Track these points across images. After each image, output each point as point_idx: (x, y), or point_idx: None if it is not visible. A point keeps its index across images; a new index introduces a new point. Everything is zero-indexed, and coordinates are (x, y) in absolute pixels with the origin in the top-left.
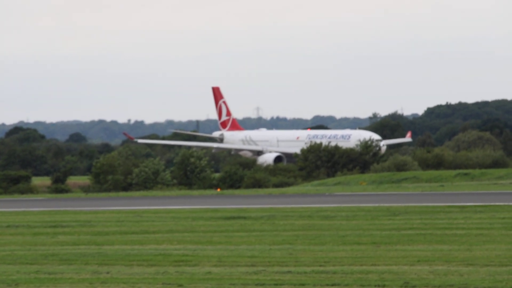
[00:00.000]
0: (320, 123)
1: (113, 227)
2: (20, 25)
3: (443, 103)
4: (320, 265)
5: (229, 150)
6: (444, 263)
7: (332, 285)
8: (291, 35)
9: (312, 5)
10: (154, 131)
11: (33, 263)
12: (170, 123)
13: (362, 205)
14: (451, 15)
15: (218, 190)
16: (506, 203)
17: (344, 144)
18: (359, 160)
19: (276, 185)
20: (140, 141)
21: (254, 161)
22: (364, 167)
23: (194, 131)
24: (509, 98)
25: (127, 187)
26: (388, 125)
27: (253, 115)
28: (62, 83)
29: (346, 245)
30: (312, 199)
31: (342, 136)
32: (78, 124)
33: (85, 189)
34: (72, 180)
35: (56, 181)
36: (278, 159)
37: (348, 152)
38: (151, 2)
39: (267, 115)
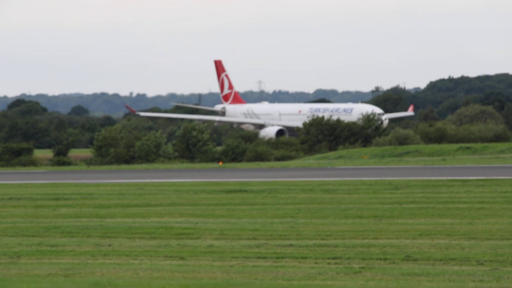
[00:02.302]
0: (322, 97)
1: (115, 200)
2: None
3: (446, 77)
4: (322, 239)
5: (231, 124)
6: (445, 237)
7: (334, 258)
8: (293, 9)
9: None
10: (156, 104)
11: (35, 235)
12: (172, 96)
13: (364, 179)
14: None
15: (220, 163)
16: (508, 177)
17: (346, 118)
18: (361, 134)
19: (278, 159)
20: (142, 114)
21: (256, 134)
22: (366, 141)
23: (196, 104)
24: (511, 72)
25: (129, 160)
26: (390, 99)
27: (255, 88)
28: (65, 56)
29: (348, 218)
30: (314, 173)
31: (344, 110)
32: (80, 96)
33: (87, 162)
34: (74, 153)
35: (58, 153)
36: (280, 133)
37: (350, 126)
38: None
39: (269, 88)
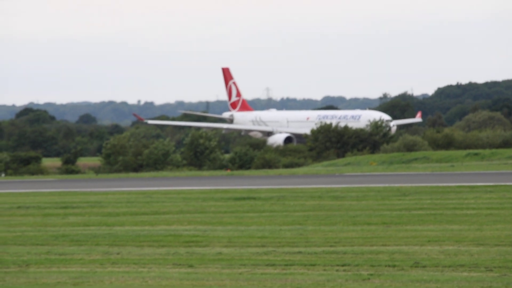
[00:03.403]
0: (330, 104)
1: (124, 208)
2: (33, 6)
3: (453, 83)
4: (331, 246)
5: (239, 131)
6: (454, 243)
7: (343, 265)
8: (301, 16)
9: None
10: (164, 112)
11: (43, 244)
12: (180, 104)
13: (372, 186)
14: None
15: (228, 171)
16: None
17: (354, 125)
18: (369, 141)
19: (286, 166)
20: (150, 122)
21: (264, 141)
22: (374, 148)
23: (204, 112)
24: None
25: (137, 168)
26: (398, 105)
27: (263, 96)
28: (73, 64)
29: (357, 225)
30: (322, 180)
31: (352, 117)
32: (88, 105)
33: (96, 170)
34: (82, 161)
35: (67, 162)
36: (288, 140)
37: (358, 133)
38: None
39: (277, 96)
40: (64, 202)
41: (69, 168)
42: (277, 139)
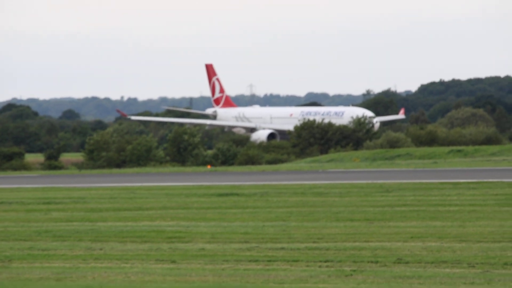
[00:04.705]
0: (313, 100)
1: (107, 204)
2: (15, 2)
3: (437, 80)
4: (314, 242)
5: (222, 127)
6: (437, 240)
7: (326, 261)
8: (284, 12)
9: None
10: (147, 108)
11: (26, 239)
12: (163, 100)
13: (355, 182)
14: None
15: (209, 167)
16: (499, 180)
17: (337, 121)
18: (352, 137)
19: (270, 162)
20: (133, 118)
21: (248, 138)
22: (357, 144)
23: (188, 108)
24: (502, 75)
25: (120, 164)
26: (381, 102)
27: (246, 92)
28: (56, 60)
29: (340, 221)
30: (305, 176)
31: (336, 113)
32: (71, 101)
33: (79, 166)
34: (65, 157)
35: (49, 158)
36: (271, 136)
37: (342, 129)
38: None
39: (260, 92)
40: (47, 197)
41: (52, 164)
42: (261, 135)
